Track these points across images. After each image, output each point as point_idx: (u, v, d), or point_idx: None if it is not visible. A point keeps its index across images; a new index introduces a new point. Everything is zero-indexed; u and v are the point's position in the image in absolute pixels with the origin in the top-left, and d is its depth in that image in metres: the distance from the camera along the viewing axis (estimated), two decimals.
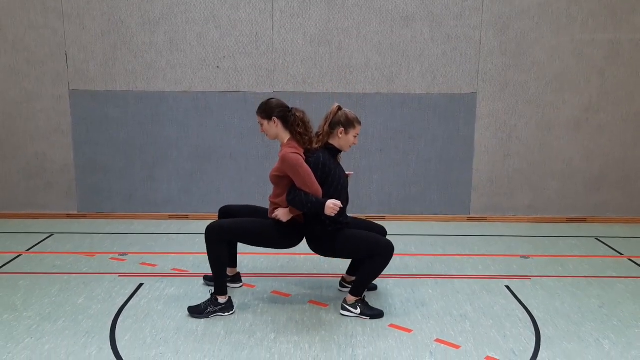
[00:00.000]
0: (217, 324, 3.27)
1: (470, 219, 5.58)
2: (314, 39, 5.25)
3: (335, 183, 3.30)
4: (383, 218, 5.54)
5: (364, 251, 3.33)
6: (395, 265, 4.29)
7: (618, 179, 5.52)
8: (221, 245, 3.32)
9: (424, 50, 5.28)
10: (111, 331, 3.17)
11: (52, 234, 5.01)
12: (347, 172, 3.54)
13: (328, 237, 3.33)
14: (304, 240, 3.51)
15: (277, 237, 3.38)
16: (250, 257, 4.38)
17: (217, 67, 5.30)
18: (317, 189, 3.19)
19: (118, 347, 2.99)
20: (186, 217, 5.55)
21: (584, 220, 5.57)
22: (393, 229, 5.25)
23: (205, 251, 3.33)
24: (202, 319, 3.32)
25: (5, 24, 5.20)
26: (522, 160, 5.49)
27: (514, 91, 5.35)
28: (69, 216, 5.55)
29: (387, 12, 5.22)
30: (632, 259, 4.51)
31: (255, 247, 4.58)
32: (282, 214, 3.29)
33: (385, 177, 5.52)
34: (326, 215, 3.23)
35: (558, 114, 5.39)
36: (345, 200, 3.37)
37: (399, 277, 4.04)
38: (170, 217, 5.55)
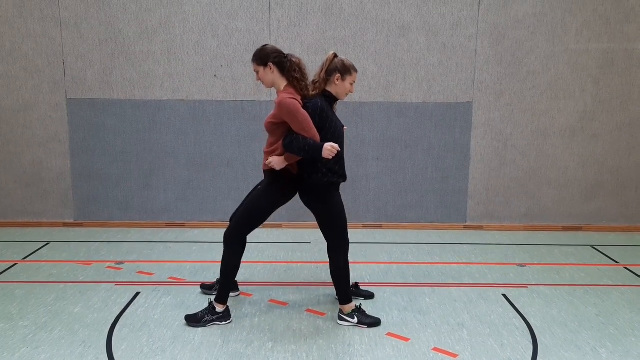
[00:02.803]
0: (214, 333, 3.27)
1: (466, 227, 5.60)
2: (310, 48, 5.27)
3: (332, 130, 3.25)
4: (380, 226, 5.54)
5: (336, 230, 3.34)
6: (392, 273, 4.30)
7: (613, 187, 5.55)
8: (240, 251, 3.35)
9: (420, 60, 5.32)
10: (108, 340, 3.16)
11: (48, 243, 4.99)
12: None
13: (324, 190, 3.29)
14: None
15: (275, 196, 3.34)
16: (247, 266, 4.37)
17: (215, 76, 5.32)
18: (315, 133, 3.14)
19: (114, 357, 2.98)
20: (183, 226, 5.54)
21: (579, 229, 5.60)
22: (390, 237, 5.27)
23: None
24: (199, 328, 3.31)
25: (2, 32, 5.21)
26: (518, 169, 5.52)
27: (510, 100, 5.39)
28: (65, 224, 5.53)
29: (383, 22, 5.25)
30: (628, 267, 4.53)
31: (251, 255, 4.59)
32: (277, 162, 3.22)
33: (382, 185, 5.53)
34: (323, 164, 3.21)
35: (553, 123, 5.43)
36: (341, 151, 3.30)
37: (396, 286, 4.04)
38: (167, 226, 5.55)
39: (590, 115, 5.42)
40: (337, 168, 3.28)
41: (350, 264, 3.47)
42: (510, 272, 4.37)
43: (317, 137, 3.15)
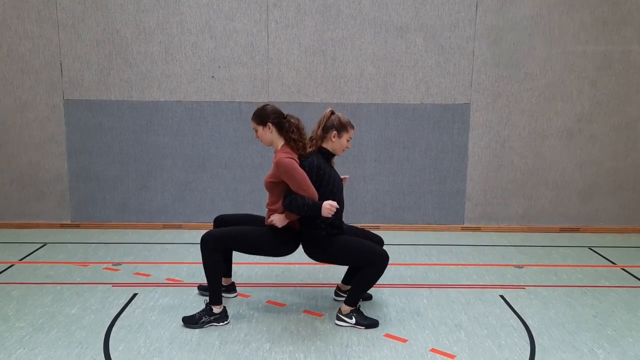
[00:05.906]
0: (211, 334, 3.26)
1: (464, 229, 5.60)
2: (308, 49, 5.28)
3: (330, 186, 3.30)
4: (377, 227, 5.54)
5: (360, 259, 3.33)
6: (389, 274, 4.29)
7: (610, 189, 5.56)
8: (216, 255, 3.31)
9: (417, 61, 5.32)
10: (105, 342, 3.15)
11: (45, 244, 4.98)
12: (342, 176, 3.54)
13: (324, 242, 3.33)
14: (300, 248, 3.50)
15: (273, 244, 3.38)
16: (244, 267, 4.37)
17: (212, 77, 5.32)
18: (313, 192, 3.19)
19: (112, 358, 2.97)
20: (180, 227, 5.54)
21: (577, 230, 5.60)
22: (387, 238, 5.24)
23: (200, 261, 3.33)
24: (197, 329, 3.31)
25: None
26: (516, 170, 5.52)
27: (507, 102, 5.40)
28: (62, 226, 5.52)
29: (381, 23, 5.26)
30: (625, 268, 4.54)
31: (249, 257, 4.59)
32: (278, 220, 3.29)
33: (380, 186, 5.54)
34: (322, 220, 3.24)
35: (550, 124, 5.44)
36: (340, 203, 3.37)
37: (393, 287, 4.04)
38: (164, 227, 5.54)
39: (587, 117, 5.43)
40: (336, 222, 3.34)
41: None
42: (508, 273, 4.37)
43: (316, 195, 3.19)
